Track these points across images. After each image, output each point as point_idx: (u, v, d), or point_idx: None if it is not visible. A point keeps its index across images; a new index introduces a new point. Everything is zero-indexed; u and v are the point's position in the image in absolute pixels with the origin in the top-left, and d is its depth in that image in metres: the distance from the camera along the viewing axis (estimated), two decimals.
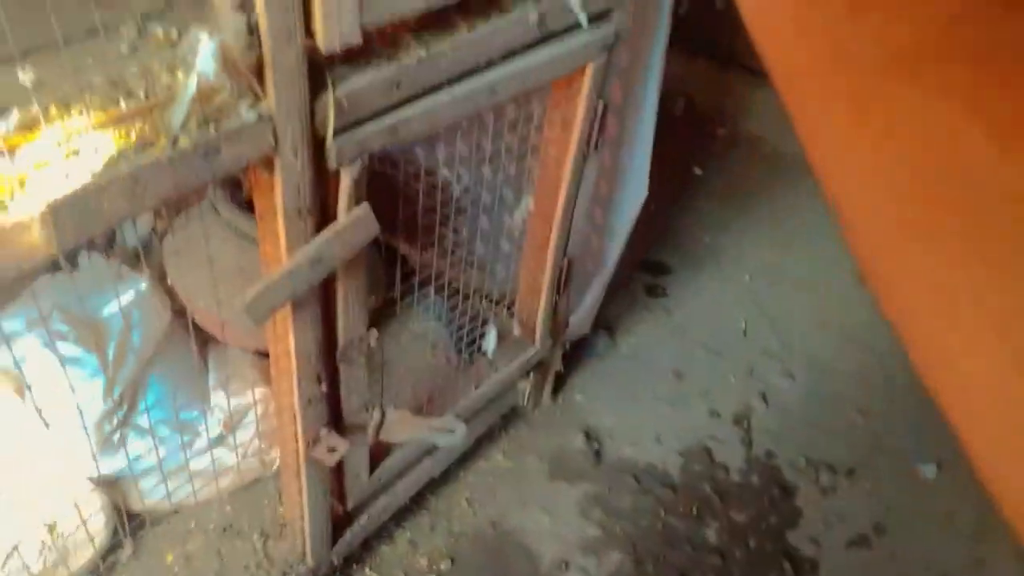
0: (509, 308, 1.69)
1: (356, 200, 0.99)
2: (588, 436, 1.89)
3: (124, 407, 1.39)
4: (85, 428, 1.29)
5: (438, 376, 1.71)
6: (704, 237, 2.51)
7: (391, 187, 1.76)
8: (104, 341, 1.39)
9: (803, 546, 1.73)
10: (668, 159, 2.84)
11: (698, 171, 2.79)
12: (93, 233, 0.72)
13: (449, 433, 1.36)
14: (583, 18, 1.15)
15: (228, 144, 0.80)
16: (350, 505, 1.40)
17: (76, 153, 0.70)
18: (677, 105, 3.07)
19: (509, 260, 1.80)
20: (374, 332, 1.18)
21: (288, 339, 1.04)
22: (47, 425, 1.27)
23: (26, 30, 0.81)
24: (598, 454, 1.86)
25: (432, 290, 1.83)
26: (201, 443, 1.40)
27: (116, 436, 1.39)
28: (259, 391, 1.46)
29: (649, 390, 2.03)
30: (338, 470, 1.33)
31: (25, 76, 0.77)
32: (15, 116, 0.70)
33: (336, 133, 0.91)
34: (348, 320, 1.12)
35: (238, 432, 1.45)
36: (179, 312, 1.52)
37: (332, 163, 0.93)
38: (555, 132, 1.33)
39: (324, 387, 1.14)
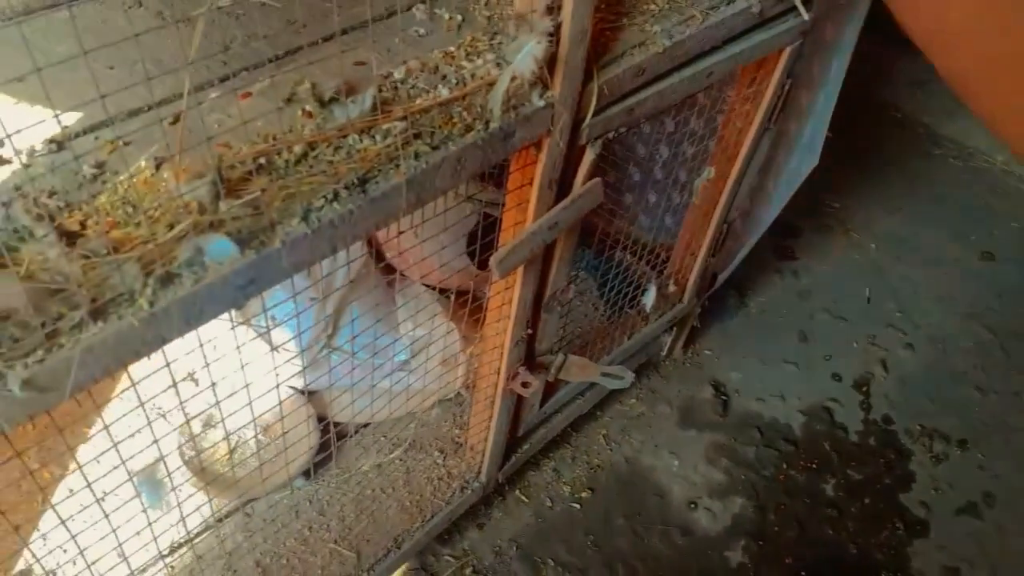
0: (656, 266, 1.80)
1: (591, 174, 1.10)
2: (716, 389, 2.02)
3: (329, 330, 1.56)
4: (303, 347, 1.47)
5: (588, 323, 1.85)
6: (834, 202, 2.56)
7: None
8: (318, 273, 1.56)
9: (915, 508, 1.84)
10: None
11: (828, 135, 2.80)
12: (424, 202, 0.86)
13: (619, 379, 1.49)
14: (802, 8, 1.22)
15: (521, 127, 0.91)
16: (520, 432, 1.56)
17: (417, 135, 0.83)
18: None
19: (656, 210, 1.90)
20: (571, 286, 1.31)
21: (515, 289, 1.18)
22: (274, 348, 1.46)
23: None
24: (725, 406, 1.99)
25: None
26: (391, 366, 1.57)
27: (322, 355, 1.57)
28: (440, 323, 1.62)
29: (775, 350, 2.13)
30: (519, 401, 1.49)
31: (347, 56, 0.90)
32: (369, 98, 0.82)
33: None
34: (557, 275, 1.25)
35: (422, 359, 1.62)
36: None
37: (583, 141, 1.04)
38: (742, 107, 1.41)
39: (528, 331, 1.29)
